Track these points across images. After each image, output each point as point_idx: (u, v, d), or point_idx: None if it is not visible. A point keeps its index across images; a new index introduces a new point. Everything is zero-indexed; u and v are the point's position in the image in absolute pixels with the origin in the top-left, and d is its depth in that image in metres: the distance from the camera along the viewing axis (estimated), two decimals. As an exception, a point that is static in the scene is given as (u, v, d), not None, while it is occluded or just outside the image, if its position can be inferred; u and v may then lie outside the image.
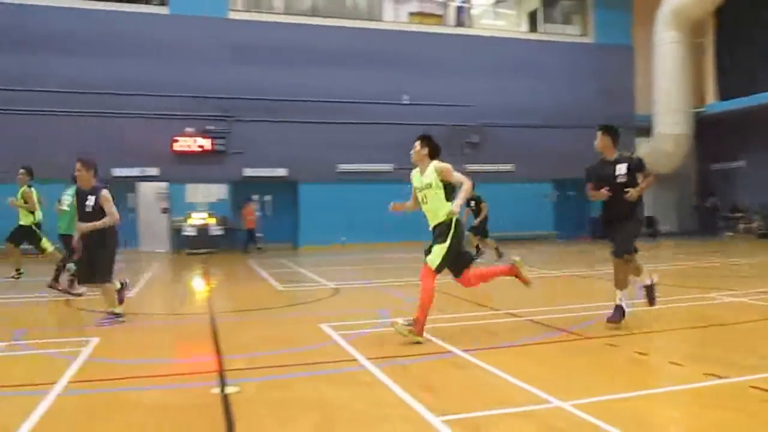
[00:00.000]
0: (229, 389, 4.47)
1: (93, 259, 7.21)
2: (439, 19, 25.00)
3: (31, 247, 10.47)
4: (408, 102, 22.26)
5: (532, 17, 25.86)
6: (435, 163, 6.06)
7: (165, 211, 21.37)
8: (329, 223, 21.25)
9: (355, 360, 5.30)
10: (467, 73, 23.13)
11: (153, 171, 20.52)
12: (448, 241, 5.87)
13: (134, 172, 20.31)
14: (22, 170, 10.14)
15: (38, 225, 10.32)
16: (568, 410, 3.88)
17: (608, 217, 6.65)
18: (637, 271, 6.59)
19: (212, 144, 20.70)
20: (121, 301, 7.42)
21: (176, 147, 20.50)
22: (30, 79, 19.24)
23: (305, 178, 21.44)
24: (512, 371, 4.74)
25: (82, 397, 4.37)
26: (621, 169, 6.44)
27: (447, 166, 6.02)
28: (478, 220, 14.48)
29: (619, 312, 6.42)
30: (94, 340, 6.15)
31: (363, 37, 22.45)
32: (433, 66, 22.78)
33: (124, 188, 20.89)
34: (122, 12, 20.65)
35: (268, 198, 22.28)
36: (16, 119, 19.22)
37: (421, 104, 22.20)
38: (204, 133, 20.72)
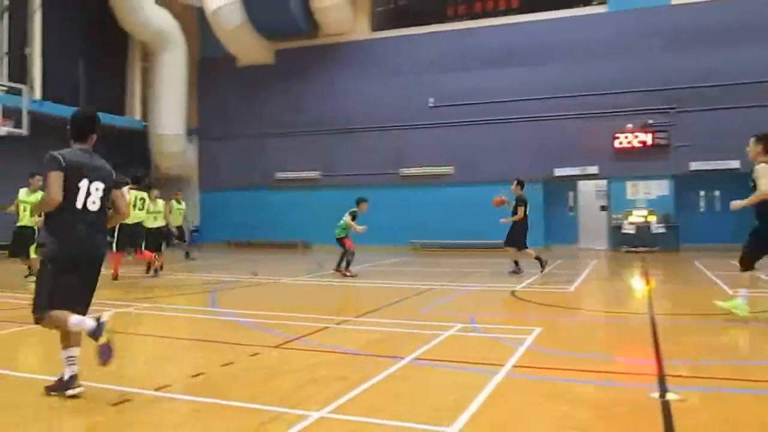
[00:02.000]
0: (670, 396, 4.23)
1: None
2: None
3: None
4: None
5: None
6: None
7: (604, 208, 21.39)
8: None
9: (825, 384, 4.45)
10: None
11: (593, 169, 20.74)
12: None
13: (574, 170, 20.87)
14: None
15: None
16: None
17: None
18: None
19: (653, 138, 19.85)
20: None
21: (617, 144, 20.30)
22: (476, 92, 21.63)
23: (765, 170, 18.74)
24: None
25: (523, 381, 4.70)
26: None
27: None
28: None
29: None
30: (537, 330, 6.54)
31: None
32: None
33: (564, 187, 21.70)
34: (557, 19, 21.42)
35: (716, 193, 20.29)
36: (463, 130, 21.84)
37: None
38: (645, 128, 20.01)
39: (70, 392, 4.16)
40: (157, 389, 4.37)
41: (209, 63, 25.92)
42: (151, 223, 12.62)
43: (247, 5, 22.79)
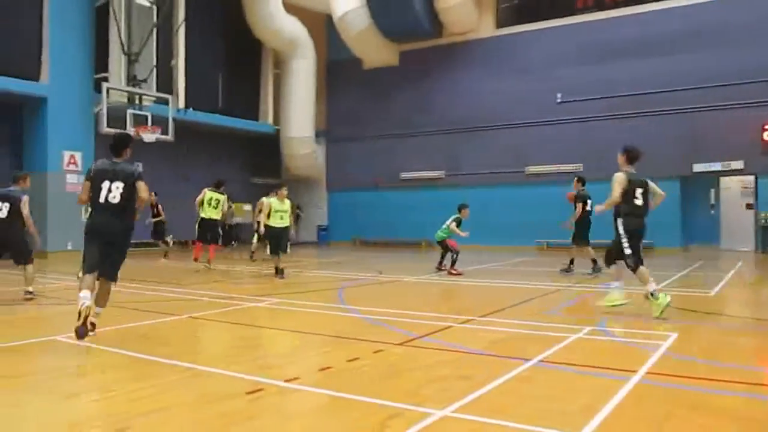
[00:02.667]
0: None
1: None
2: None
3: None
4: None
5: None
6: None
7: (750, 206, 19.77)
8: None
9: None
10: None
11: (737, 164, 19.24)
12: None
13: (716, 166, 19.46)
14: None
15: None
16: None
17: None
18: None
19: (809, 129, 18.11)
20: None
21: (766, 137, 18.71)
22: (607, 86, 20.73)
23: None
24: None
25: (658, 389, 4.45)
26: None
27: None
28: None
29: None
30: (673, 336, 6.18)
31: None
32: None
33: (705, 184, 20.30)
34: (694, 5, 20.05)
35: None
36: (592, 125, 20.95)
37: None
38: (799, 118, 18.30)
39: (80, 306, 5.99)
40: (287, 381, 4.57)
41: (336, 67, 26.73)
42: (277, 222, 12.74)
43: (373, 9, 23.24)
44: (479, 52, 23.61)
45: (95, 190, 6.36)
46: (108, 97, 18.16)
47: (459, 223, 13.44)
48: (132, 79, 19.01)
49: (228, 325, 7.26)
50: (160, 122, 19.35)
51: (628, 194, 7.74)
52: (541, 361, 5.20)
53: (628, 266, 7.66)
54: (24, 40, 18.05)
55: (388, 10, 22.99)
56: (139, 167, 6.61)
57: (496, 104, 22.82)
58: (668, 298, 7.28)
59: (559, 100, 21.74)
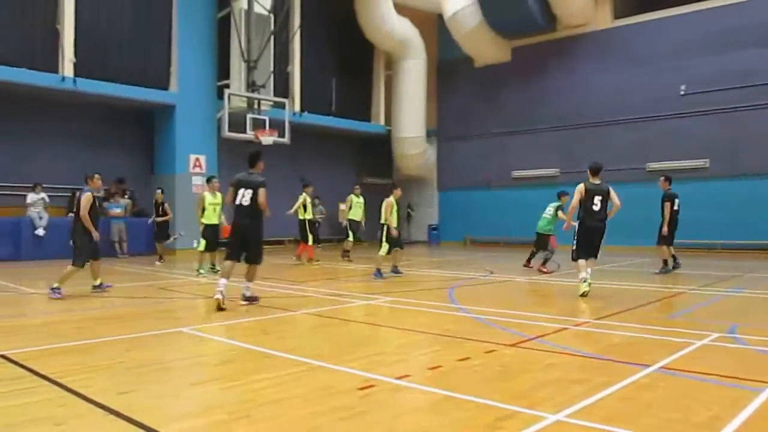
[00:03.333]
0: None
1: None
2: None
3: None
4: None
5: None
6: None
7: None
8: None
9: None
10: None
11: None
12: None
13: None
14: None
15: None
16: None
17: None
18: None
19: None
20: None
21: None
22: (738, 75, 19.37)
23: None
24: None
25: (796, 403, 4.11)
26: None
27: None
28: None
29: None
30: (814, 345, 5.68)
31: None
32: None
33: None
34: None
35: None
36: (721, 118, 19.58)
37: None
38: None
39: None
40: (398, 378, 4.62)
41: (447, 66, 26.67)
42: (396, 221, 12.59)
43: (484, 6, 22.98)
44: (596, 44, 22.72)
45: (236, 195, 8.27)
46: (229, 102, 19.15)
47: (561, 210, 13.36)
48: (251, 85, 19.89)
49: (340, 322, 7.44)
50: (277, 125, 20.14)
51: (587, 201, 9.35)
52: (663, 367, 4.94)
53: (572, 258, 9.51)
54: (156, 54, 19.40)
55: (499, 6, 22.63)
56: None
57: (613, 98, 21.88)
58: (586, 288, 9.12)
59: (682, 93, 20.52)
